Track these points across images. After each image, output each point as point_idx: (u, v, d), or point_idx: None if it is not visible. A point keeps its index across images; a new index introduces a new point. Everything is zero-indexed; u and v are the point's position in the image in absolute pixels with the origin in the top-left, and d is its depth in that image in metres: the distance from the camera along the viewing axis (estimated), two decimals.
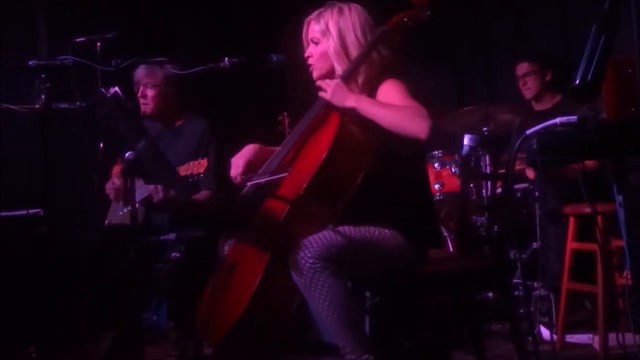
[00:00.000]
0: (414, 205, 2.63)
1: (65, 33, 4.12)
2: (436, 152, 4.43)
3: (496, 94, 5.23)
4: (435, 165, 4.41)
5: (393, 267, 2.54)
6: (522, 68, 4.62)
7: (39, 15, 4.88)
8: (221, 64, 2.90)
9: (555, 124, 1.99)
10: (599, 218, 3.35)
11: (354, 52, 2.66)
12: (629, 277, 2.39)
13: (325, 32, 2.68)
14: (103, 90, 2.55)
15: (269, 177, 2.59)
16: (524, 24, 5.17)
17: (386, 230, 2.54)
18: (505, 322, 3.58)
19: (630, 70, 1.95)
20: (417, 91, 2.59)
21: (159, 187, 3.32)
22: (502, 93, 5.15)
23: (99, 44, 3.98)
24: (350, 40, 2.66)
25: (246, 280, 2.52)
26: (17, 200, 3.86)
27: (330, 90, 2.58)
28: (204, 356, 3.38)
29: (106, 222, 3.83)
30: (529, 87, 4.60)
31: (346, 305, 2.38)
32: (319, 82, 2.67)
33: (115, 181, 3.66)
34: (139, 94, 3.71)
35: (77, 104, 3.23)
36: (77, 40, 3.89)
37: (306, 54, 2.78)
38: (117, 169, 3.86)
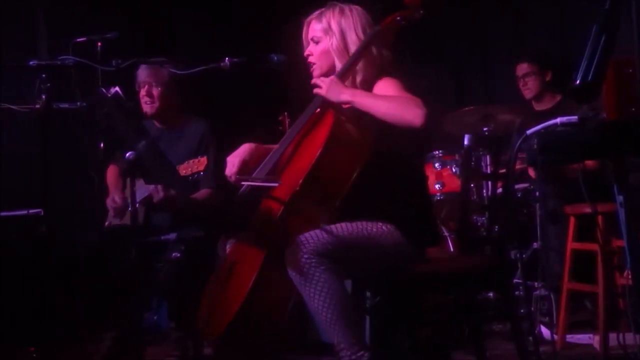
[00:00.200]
0: (411, 203, 2.64)
1: (65, 33, 4.11)
2: (437, 152, 4.43)
3: (494, 94, 5.23)
4: (436, 165, 4.40)
5: (390, 265, 2.54)
6: (522, 68, 4.62)
7: (39, 15, 4.88)
8: (222, 64, 2.90)
9: (555, 124, 2.00)
10: (600, 218, 3.35)
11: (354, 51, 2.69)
12: (630, 277, 2.39)
13: (328, 30, 2.71)
14: (103, 90, 2.55)
15: (260, 182, 2.61)
16: (522, 24, 5.17)
17: (384, 227, 2.54)
18: (505, 322, 3.59)
19: (630, 70, 1.95)
20: (414, 90, 2.60)
21: (160, 186, 3.32)
22: (501, 93, 5.16)
23: (99, 44, 3.97)
24: (352, 39, 2.69)
25: (243, 278, 2.53)
26: (17, 200, 3.86)
27: (326, 86, 2.61)
28: (205, 356, 3.38)
29: (106, 223, 3.83)
30: (529, 88, 4.60)
31: (341, 301, 2.39)
32: (314, 80, 2.69)
33: (116, 199, 3.64)
34: (143, 94, 3.70)
35: (78, 104, 3.22)
36: (78, 40, 3.88)
37: (306, 53, 2.79)
38: (110, 174, 3.86)
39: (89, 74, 3.37)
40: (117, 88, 2.52)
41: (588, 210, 3.43)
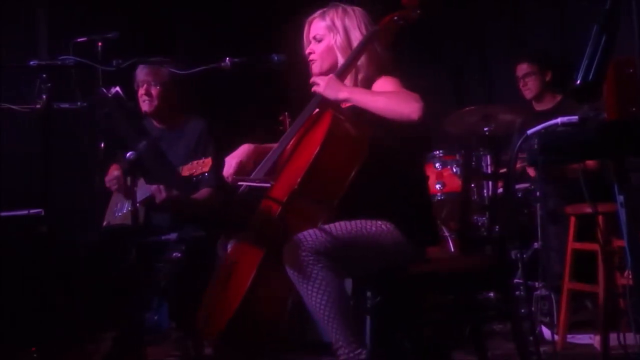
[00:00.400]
0: (411, 202, 2.64)
1: (66, 33, 4.12)
2: (437, 152, 4.43)
3: (494, 95, 5.23)
4: (437, 165, 4.40)
5: (390, 264, 2.55)
6: (522, 69, 4.62)
7: (39, 15, 4.88)
8: (222, 64, 2.90)
9: (556, 124, 1.99)
10: (600, 218, 3.35)
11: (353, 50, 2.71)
12: (630, 277, 2.39)
13: (332, 27, 2.73)
14: (104, 90, 2.55)
15: (254, 183, 2.62)
16: (521, 24, 5.18)
17: (383, 226, 2.55)
18: (506, 322, 3.58)
19: (631, 70, 1.95)
20: (413, 88, 2.60)
21: (162, 187, 3.32)
22: (500, 93, 5.16)
23: (99, 44, 3.98)
24: (355, 37, 2.71)
25: (241, 278, 2.53)
26: (17, 201, 3.86)
27: (324, 84, 2.62)
28: (205, 356, 3.38)
29: (104, 223, 3.83)
30: (529, 88, 4.60)
31: (339, 299, 2.39)
32: (312, 79, 2.69)
33: (115, 173, 3.63)
34: (142, 92, 3.70)
35: (78, 104, 3.23)
36: (78, 40, 3.89)
37: (307, 51, 2.80)
38: (114, 169, 3.86)
39: (89, 74, 3.38)
40: (117, 88, 2.52)
41: (589, 210, 3.43)
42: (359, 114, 2.58)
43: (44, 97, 2.67)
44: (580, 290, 3.73)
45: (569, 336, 3.64)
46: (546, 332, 3.72)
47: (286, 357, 3.48)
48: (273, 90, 5.30)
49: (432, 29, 5.31)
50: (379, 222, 2.55)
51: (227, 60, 2.91)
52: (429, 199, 2.97)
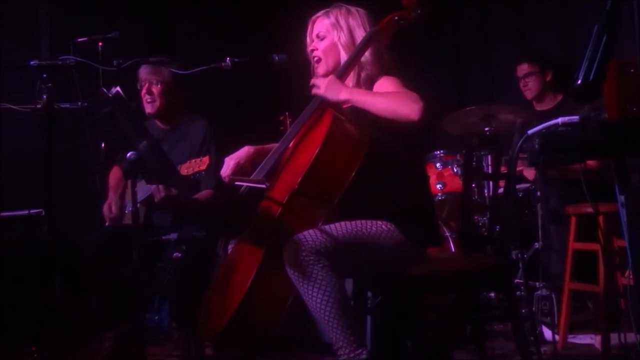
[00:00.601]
0: (411, 202, 2.64)
1: (67, 33, 4.13)
2: (438, 152, 4.43)
3: (498, 95, 5.23)
4: (437, 165, 4.40)
5: (390, 264, 2.54)
6: (523, 69, 4.63)
7: (40, 15, 4.88)
8: (223, 64, 2.90)
9: (557, 124, 1.99)
10: (601, 218, 3.35)
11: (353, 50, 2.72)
12: (631, 277, 2.39)
13: (336, 25, 2.75)
14: (105, 90, 2.55)
15: (250, 184, 2.63)
16: (522, 24, 5.17)
17: (383, 226, 2.55)
18: (507, 322, 3.58)
19: (632, 70, 1.95)
20: (415, 88, 2.60)
21: (161, 186, 3.32)
22: (502, 93, 5.16)
23: (100, 44, 3.99)
24: (359, 35, 2.73)
25: (241, 277, 2.54)
26: (18, 201, 3.86)
27: (324, 86, 2.62)
28: (206, 356, 3.38)
29: (107, 222, 3.83)
30: (529, 88, 4.61)
31: (340, 299, 2.39)
32: (312, 81, 2.70)
33: (113, 209, 3.65)
34: (144, 92, 3.71)
35: (79, 104, 3.23)
36: (79, 40, 3.89)
37: (310, 48, 2.81)
38: (112, 176, 3.86)
39: (90, 74, 3.38)
40: (118, 88, 2.52)
41: (589, 210, 3.43)
42: (359, 114, 2.58)
43: (45, 97, 2.67)
44: (581, 291, 3.73)
45: (569, 336, 3.64)
46: (547, 332, 3.72)
47: (286, 357, 3.48)
48: (274, 90, 5.30)
49: (434, 28, 5.31)
50: (380, 223, 2.55)
51: (227, 60, 2.91)
52: (430, 199, 2.97)
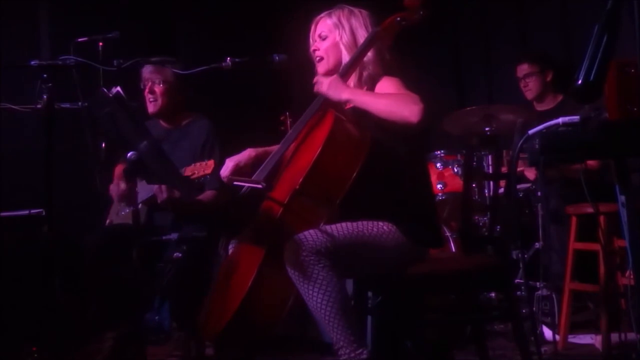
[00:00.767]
0: (413, 203, 2.64)
1: (67, 33, 4.12)
2: (438, 152, 4.43)
3: (498, 95, 5.23)
4: (438, 165, 4.40)
5: (391, 265, 2.54)
6: (523, 69, 4.63)
7: (41, 15, 4.88)
8: (223, 64, 2.90)
9: (557, 124, 1.99)
10: (602, 218, 3.35)
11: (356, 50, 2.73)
12: (631, 277, 2.39)
13: (338, 25, 2.77)
14: (105, 90, 2.55)
15: (246, 183, 2.63)
16: (523, 24, 5.17)
17: (385, 227, 2.55)
18: (507, 322, 3.58)
19: (632, 71, 1.95)
20: (416, 89, 2.61)
21: (163, 187, 3.32)
22: (503, 93, 5.15)
23: (100, 43, 3.99)
24: (361, 36, 2.75)
25: (242, 277, 2.54)
26: (18, 201, 3.86)
27: (326, 84, 2.63)
28: (207, 356, 3.38)
29: (107, 221, 3.83)
30: (530, 88, 4.61)
31: (340, 299, 2.39)
32: (315, 79, 2.71)
33: (120, 184, 3.66)
34: (146, 91, 3.72)
35: (79, 104, 3.23)
36: (79, 40, 3.89)
37: (313, 48, 2.82)
38: (120, 170, 3.86)
39: (90, 74, 3.38)
40: (118, 88, 2.52)
41: (590, 210, 3.43)
42: (361, 115, 2.58)
43: (45, 97, 2.67)
44: (581, 291, 3.73)
45: (570, 336, 3.64)
46: (547, 332, 3.72)
47: (286, 357, 3.48)
48: (274, 90, 5.30)
49: (435, 28, 5.31)
50: (381, 224, 2.55)
51: (228, 60, 2.91)
52: (432, 200, 2.97)
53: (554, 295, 3.79)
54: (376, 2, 2.83)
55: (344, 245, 2.44)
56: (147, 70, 3.71)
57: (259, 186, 2.58)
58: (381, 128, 2.56)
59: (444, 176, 4.38)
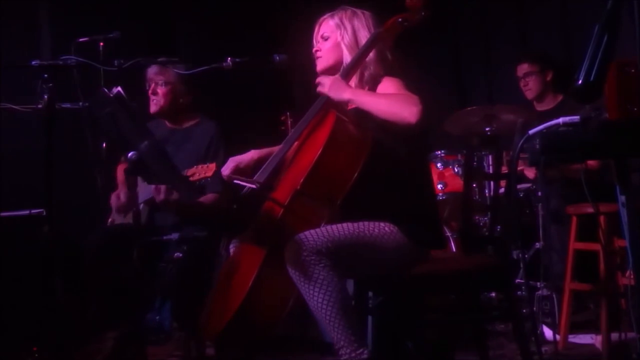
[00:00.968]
0: (414, 204, 2.64)
1: (68, 33, 4.13)
2: (439, 152, 4.43)
3: (498, 95, 5.23)
4: (438, 165, 4.41)
5: (392, 266, 2.55)
6: (523, 69, 4.63)
7: (41, 15, 4.88)
8: (224, 64, 2.90)
9: (557, 124, 1.99)
10: (602, 218, 3.35)
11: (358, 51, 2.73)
12: (632, 277, 2.39)
13: (340, 25, 2.78)
14: (106, 90, 2.55)
15: (243, 183, 2.64)
16: (523, 24, 5.17)
17: (386, 228, 2.55)
18: (508, 322, 3.58)
19: (633, 71, 1.95)
20: (417, 90, 2.61)
21: (161, 188, 3.32)
22: (503, 93, 5.15)
23: (101, 44, 3.99)
24: (363, 36, 2.75)
25: (243, 277, 2.54)
26: (18, 201, 3.86)
27: (328, 84, 2.64)
28: (207, 356, 3.38)
29: (109, 220, 3.84)
30: (530, 88, 4.61)
31: (341, 299, 2.39)
32: (318, 79, 2.71)
33: (121, 196, 3.66)
34: (150, 92, 3.73)
35: (80, 104, 3.23)
36: (80, 40, 3.89)
37: (315, 49, 2.84)
38: (122, 175, 3.86)
39: (91, 74, 3.38)
40: (119, 88, 2.52)
41: (590, 210, 3.43)
42: (362, 115, 2.59)
43: (46, 97, 2.67)
44: (581, 291, 3.73)
45: (570, 336, 3.64)
46: (547, 332, 3.72)
47: (286, 357, 3.48)
48: (274, 90, 5.30)
49: (433, 29, 5.31)
50: (382, 224, 2.55)
51: (228, 60, 2.91)
52: (433, 200, 2.98)
53: (554, 295, 3.79)
54: (377, 3, 2.84)
55: (344, 245, 2.45)
56: (151, 71, 3.72)
57: (253, 186, 2.59)
58: (382, 129, 2.56)
59: (444, 176, 4.38)
